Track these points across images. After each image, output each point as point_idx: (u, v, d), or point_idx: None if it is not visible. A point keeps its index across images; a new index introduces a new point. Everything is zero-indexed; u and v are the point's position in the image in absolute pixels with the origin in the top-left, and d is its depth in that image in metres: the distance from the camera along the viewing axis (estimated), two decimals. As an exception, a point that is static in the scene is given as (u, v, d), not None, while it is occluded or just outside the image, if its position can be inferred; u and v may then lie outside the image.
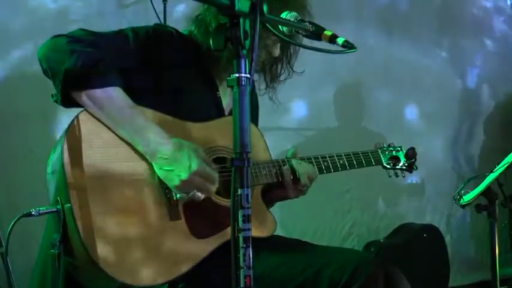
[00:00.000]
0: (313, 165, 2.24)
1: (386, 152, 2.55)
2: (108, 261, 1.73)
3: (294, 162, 2.18)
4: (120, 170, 1.83)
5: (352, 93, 4.67)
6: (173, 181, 1.83)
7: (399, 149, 2.58)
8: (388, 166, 2.55)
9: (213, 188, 1.88)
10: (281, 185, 2.18)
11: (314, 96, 4.43)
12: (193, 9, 2.15)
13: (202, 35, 2.08)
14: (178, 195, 1.87)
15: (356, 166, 2.39)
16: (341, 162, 2.33)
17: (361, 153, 2.43)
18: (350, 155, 2.38)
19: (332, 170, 2.30)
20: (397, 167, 2.57)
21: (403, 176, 2.62)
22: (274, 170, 2.15)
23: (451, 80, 5.15)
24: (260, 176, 2.11)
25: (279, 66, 2.23)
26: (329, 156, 2.30)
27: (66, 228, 1.75)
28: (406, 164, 2.58)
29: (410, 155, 2.57)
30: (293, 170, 2.17)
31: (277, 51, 2.16)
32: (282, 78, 2.26)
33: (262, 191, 2.19)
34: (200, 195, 1.87)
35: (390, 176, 2.61)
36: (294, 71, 2.27)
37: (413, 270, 3.86)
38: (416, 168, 2.60)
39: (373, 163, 2.48)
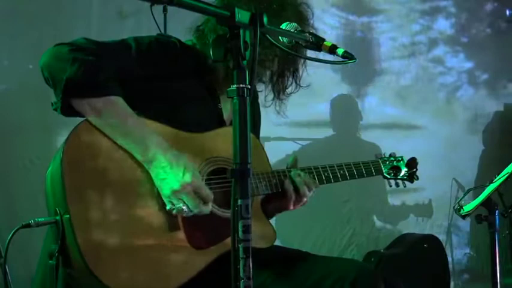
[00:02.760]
0: (314, 175, 2.23)
1: (387, 162, 2.54)
2: (107, 272, 1.73)
3: (293, 173, 2.18)
4: (119, 180, 1.82)
5: (350, 104, 4.69)
6: (165, 190, 1.83)
7: (400, 159, 2.57)
8: (388, 176, 2.54)
9: (206, 208, 1.86)
10: (280, 197, 2.18)
11: (312, 107, 4.44)
12: (194, 20, 2.15)
13: (203, 46, 2.08)
14: (168, 206, 1.85)
15: (356, 176, 2.37)
16: (341, 172, 2.31)
17: (362, 163, 2.41)
18: (350, 165, 2.36)
19: (332, 181, 2.28)
20: (398, 177, 2.56)
21: (404, 186, 2.62)
22: (274, 181, 2.15)
23: (449, 90, 5.16)
24: (260, 186, 2.11)
25: (286, 79, 2.23)
26: (329, 167, 2.29)
27: (65, 239, 1.74)
28: (407, 174, 2.57)
29: (412, 164, 2.55)
30: (292, 182, 2.16)
31: (274, 66, 2.16)
32: (288, 91, 2.26)
33: (261, 202, 2.19)
34: (187, 211, 1.84)
35: (391, 186, 2.60)
36: (301, 85, 2.26)
37: (414, 281, 3.85)
38: (418, 178, 2.59)
39: (374, 173, 2.46)
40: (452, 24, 5.40)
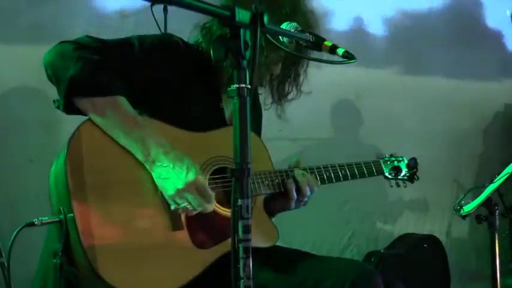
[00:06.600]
0: (316, 175, 2.24)
1: (388, 162, 2.54)
2: (111, 271, 1.73)
3: (296, 173, 2.18)
4: (123, 180, 1.83)
5: (350, 104, 4.68)
6: (168, 190, 1.83)
7: (401, 159, 2.58)
8: (389, 176, 2.55)
9: (209, 206, 1.87)
10: (282, 196, 2.18)
11: (312, 107, 4.43)
12: (195, 19, 2.15)
13: (209, 45, 2.07)
14: (172, 206, 1.86)
15: (358, 176, 2.38)
16: (343, 172, 2.32)
17: (363, 164, 2.42)
18: (352, 165, 2.37)
19: (334, 181, 2.29)
20: (399, 177, 2.57)
21: (405, 186, 2.62)
22: (277, 180, 2.15)
23: (450, 91, 5.15)
24: (262, 186, 2.11)
25: (287, 85, 2.23)
26: (331, 167, 2.30)
27: (69, 238, 1.75)
28: (408, 175, 2.57)
29: (412, 165, 2.56)
30: (295, 181, 2.16)
31: (277, 70, 2.16)
32: (289, 97, 2.25)
33: (264, 201, 2.19)
34: (191, 209, 1.85)
35: (392, 186, 2.61)
36: (302, 91, 2.26)
37: (414, 281, 3.85)
38: (418, 179, 2.59)
39: (375, 173, 2.47)
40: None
